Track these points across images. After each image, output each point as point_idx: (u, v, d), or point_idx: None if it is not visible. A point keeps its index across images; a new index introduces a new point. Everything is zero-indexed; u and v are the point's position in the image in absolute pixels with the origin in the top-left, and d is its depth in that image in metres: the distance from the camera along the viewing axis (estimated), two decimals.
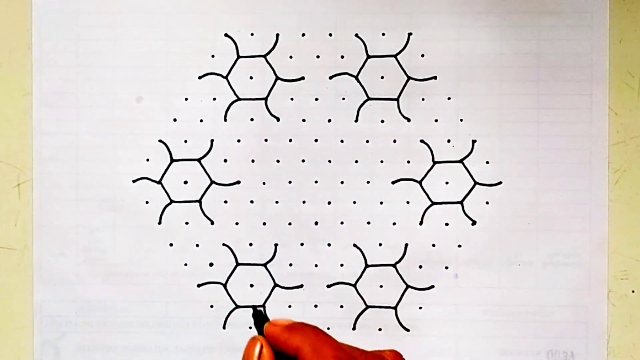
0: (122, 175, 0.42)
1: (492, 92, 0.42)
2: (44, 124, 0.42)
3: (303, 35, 0.42)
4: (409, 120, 0.42)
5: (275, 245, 0.42)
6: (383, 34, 0.42)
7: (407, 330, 0.42)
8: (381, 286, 0.42)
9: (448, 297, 0.42)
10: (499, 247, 0.42)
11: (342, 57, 0.42)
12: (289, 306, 0.42)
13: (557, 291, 0.42)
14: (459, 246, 0.42)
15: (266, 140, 0.42)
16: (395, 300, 0.42)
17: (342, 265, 0.42)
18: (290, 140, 0.42)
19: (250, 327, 0.42)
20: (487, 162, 0.42)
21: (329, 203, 0.42)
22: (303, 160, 0.42)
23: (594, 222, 0.42)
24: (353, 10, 0.42)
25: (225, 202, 0.42)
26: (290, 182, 0.42)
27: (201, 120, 0.42)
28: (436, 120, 0.42)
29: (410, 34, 0.42)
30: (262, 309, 0.35)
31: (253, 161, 0.42)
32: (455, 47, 0.42)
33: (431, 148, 0.42)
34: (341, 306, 0.42)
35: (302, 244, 0.42)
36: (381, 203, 0.42)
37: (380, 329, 0.42)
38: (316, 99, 0.42)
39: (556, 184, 0.42)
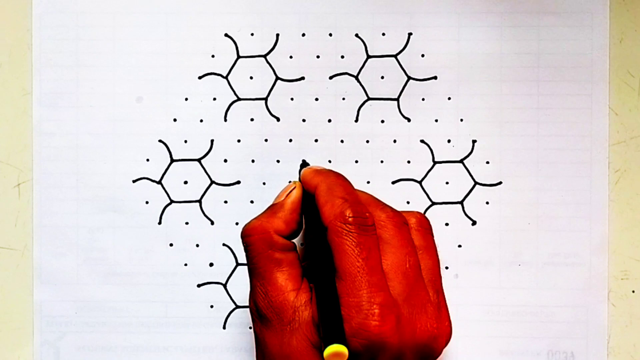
0: (122, 175, 0.42)
1: (492, 92, 0.42)
2: (44, 124, 0.42)
3: (303, 35, 0.42)
4: (409, 120, 0.42)
5: None
6: (383, 34, 0.42)
7: None
8: None
9: (448, 297, 0.41)
10: (499, 247, 0.42)
11: (342, 57, 0.42)
12: None
13: (557, 291, 0.42)
14: (459, 246, 0.42)
15: (266, 140, 0.42)
16: None
17: None
18: (290, 140, 0.42)
19: (250, 327, 0.42)
20: (487, 162, 0.42)
21: None
22: (303, 161, 0.42)
23: (594, 222, 0.42)
24: (353, 10, 0.42)
25: (225, 202, 0.42)
26: (290, 182, 0.42)
27: (201, 120, 0.42)
28: (436, 120, 0.42)
29: (410, 34, 0.42)
30: (308, 162, 0.40)
31: (253, 161, 0.42)
32: (455, 47, 0.42)
33: (431, 148, 0.42)
34: None
35: (302, 244, 0.42)
36: None
37: None
38: (316, 99, 0.42)
39: (556, 184, 0.42)
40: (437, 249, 0.37)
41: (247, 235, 0.35)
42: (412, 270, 0.33)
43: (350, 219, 0.33)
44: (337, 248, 0.32)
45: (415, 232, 0.36)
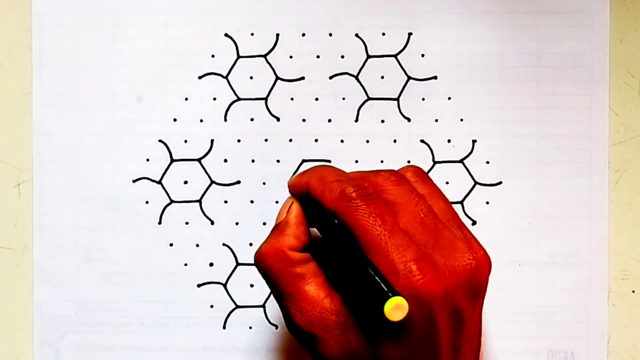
0: (122, 175, 0.42)
1: (492, 92, 0.42)
2: (44, 124, 0.42)
3: (303, 35, 0.42)
4: (409, 120, 0.42)
5: None
6: (383, 34, 0.42)
7: None
8: None
9: None
10: (499, 247, 0.42)
11: (342, 57, 0.42)
12: None
13: (557, 291, 0.42)
14: None
15: (266, 140, 0.42)
16: None
17: None
18: (290, 140, 0.42)
19: (251, 327, 0.42)
20: (487, 162, 0.42)
21: None
22: (303, 160, 0.42)
23: (594, 222, 0.42)
24: (353, 10, 0.42)
25: (225, 202, 0.42)
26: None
27: (201, 120, 0.42)
28: (436, 120, 0.42)
29: (410, 34, 0.42)
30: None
31: (253, 161, 0.42)
32: (455, 47, 0.42)
33: (431, 148, 0.42)
34: None
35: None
36: None
37: None
38: (316, 99, 0.42)
39: (556, 184, 0.42)
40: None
41: (262, 260, 0.34)
42: (427, 217, 0.33)
43: (352, 194, 0.32)
44: (352, 226, 0.32)
45: (415, 183, 0.35)
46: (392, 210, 0.33)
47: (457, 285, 0.32)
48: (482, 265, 0.33)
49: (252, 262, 0.42)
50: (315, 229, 0.36)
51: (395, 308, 0.29)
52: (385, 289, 0.30)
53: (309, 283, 0.33)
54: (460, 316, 0.32)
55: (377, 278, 0.30)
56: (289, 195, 0.36)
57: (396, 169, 0.36)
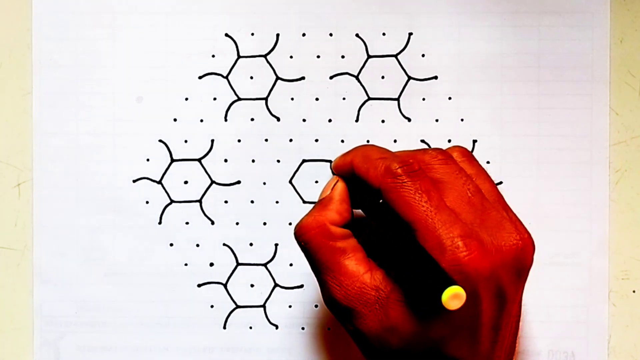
0: (122, 175, 0.42)
1: (492, 92, 0.42)
2: (44, 124, 0.42)
3: (303, 35, 0.42)
4: (409, 120, 0.42)
5: (276, 245, 0.42)
6: (383, 34, 0.42)
7: None
8: None
9: None
10: None
11: (343, 57, 0.42)
12: (289, 306, 0.42)
13: (557, 291, 0.42)
14: None
15: (266, 140, 0.42)
16: None
17: None
18: (291, 140, 0.42)
19: (251, 327, 0.42)
20: (488, 162, 0.42)
21: None
22: (303, 160, 0.42)
23: (594, 222, 0.42)
24: (353, 10, 0.42)
25: (226, 202, 0.42)
26: (290, 182, 0.42)
27: (201, 120, 0.42)
28: (437, 120, 0.42)
29: (410, 34, 0.42)
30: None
31: (253, 161, 0.42)
32: (455, 47, 0.42)
33: None
34: None
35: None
36: None
37: None
38: (316, 99, 0.42)
39: (556, 184, 0.42)
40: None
41: (303, 232, 0.34)
42: (475, 196, 0.33)
43: (398, 171, 0.32)
44: (397, 202, 0.32)
45: (461, 163, 0.35)
46: (438, 188, 0.33)
47: (503, 265, 0.32)
48: (528, 246, 0.33)
49: (252, 262, 0.42)
50: (359, 211, 0.36)
51: (453, 297, 0.29)
52: (444, 277, 0.30)
53: (349, 258, 0.33)
54: (503, 296, 0.32)
55: (435, 265, 0.30)
56: (332, 176, 0.36)
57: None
